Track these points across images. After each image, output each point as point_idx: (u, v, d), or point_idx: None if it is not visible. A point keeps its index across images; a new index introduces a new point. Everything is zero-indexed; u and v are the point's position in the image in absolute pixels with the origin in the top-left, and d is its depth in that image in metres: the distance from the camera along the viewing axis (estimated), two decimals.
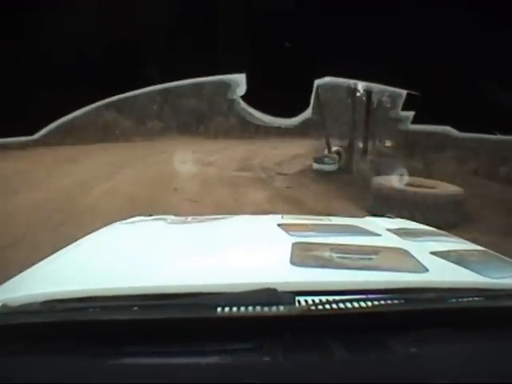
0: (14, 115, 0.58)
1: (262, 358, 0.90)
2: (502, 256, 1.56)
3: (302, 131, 23.04)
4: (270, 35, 0.54)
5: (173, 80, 0.58)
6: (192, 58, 0.57)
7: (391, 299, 1.05)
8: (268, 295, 0.99)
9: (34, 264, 1.44)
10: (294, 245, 1.42)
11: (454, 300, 1.09)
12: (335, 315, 0.98)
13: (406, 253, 1.42)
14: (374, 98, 17.15)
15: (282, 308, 0.97)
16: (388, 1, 0.53)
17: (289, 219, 2.08)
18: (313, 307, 0.99)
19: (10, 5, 0.50)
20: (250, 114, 0.57)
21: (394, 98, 0.59)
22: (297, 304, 1.01)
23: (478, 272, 1.29)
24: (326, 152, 15.68)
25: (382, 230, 1.81)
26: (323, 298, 1.02)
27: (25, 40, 0.53)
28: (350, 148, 14.80)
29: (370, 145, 17.29)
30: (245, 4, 0.53)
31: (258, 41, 0.55)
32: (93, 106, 0.59)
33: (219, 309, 0.97)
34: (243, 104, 0.57)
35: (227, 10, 0.53)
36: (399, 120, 0.60)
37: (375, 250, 1.43)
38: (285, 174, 14.00)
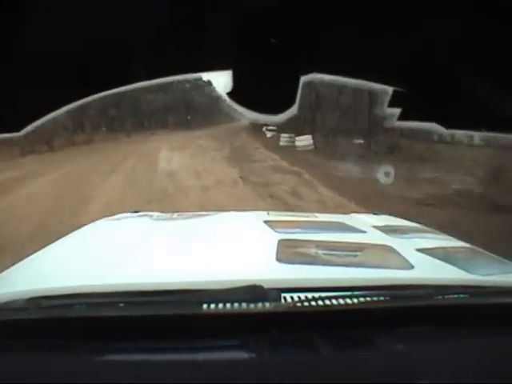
0: (0, 112, 0.57)
1: (248, 355, 0.90)
2: (488, 253, 1.57)
3: None
4: (256, 32, 0.54)
5: (159, 76, 0.58)
6: (179, 54, 0.57)
7: (377, 296, 1.05)
8: (254, 292, 0.98)
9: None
10: (280, 241, 1.42)
11: (439, 297, 1.09)
12: (321, 312, 0.98)
13: (391, 250, 1.43)
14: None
15: (268, 305, 0.97)
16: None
17: (275, 216, 2.08)
18: (299, 304, 0.99)
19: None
20: (236, 110, 0.57)
21: (379, 94, 0.59)
22: (283, 301, 1.01)
23: (464, 269, 1.30)
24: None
25: (368, 227, 1.81)
26: (309, 295, 1.02)
27: (11, 38, 0.53)
28: None
29: None
30: (232, 2, 0.53)
31: (244, 37, 0.55)
32: (79, 102, 0.58)
33: (205, 305, 0.97)
34: (229, 101, 0.57)
35: (214, 8, 0.53)
36: (385, 117, 0.61)
37: (361, 247, 1.43)
38: None
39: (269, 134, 21.10)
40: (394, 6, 0.52)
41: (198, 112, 37.40)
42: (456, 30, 0.54)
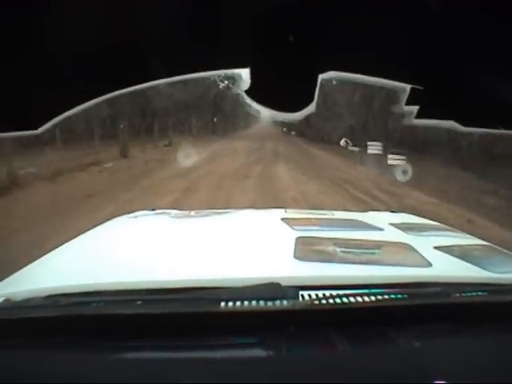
0: (17, 111, 0.58)
1: (265, 353, 0.90)
2: (505, 250, 1.56)
3: None
4: (275, 30, 0.54)
5: (178, 74, 0.59)
6: (197, 52, 0.57)
7: (395, 294, 1.05)
8: (272, 290, 0.99)
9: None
10: (298, 239, 1.42)
11: (457, 295, 1.09)
12: (339, 310, 0.98)
13: (409, 247, 1.42)
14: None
15: (285, 302, 0.97)
16: None
17: (292, 213, 2.08)
18: (316, 302, 0.99)
19: (12, 5, 0.51)
20: (254, 108, 0.57)
21: (397, 92, 0.59)
22: (300, 298, 1.01)
23: (481, 266, 1.29)
24: None
25: (385, 225, 1.80)
26: (327, 293, 1.02)
27: (28, 38, 0.53)
28: None
29: None
30: (249, 0, 0.53)
31: (262, 36, 0.55)
32: (94, 101, 0.59)
33: (223, 303, 0.97)
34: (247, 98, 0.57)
35: (232, 6, 0.53)
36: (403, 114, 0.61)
37: (378, 245, 1.43)
38: None
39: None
40: (411, 6, 0.52)
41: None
42: (474, 28, 0.54)
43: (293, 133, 29.01)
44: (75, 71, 0.57)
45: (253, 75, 0.55)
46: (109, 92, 0.58)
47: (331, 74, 0.56)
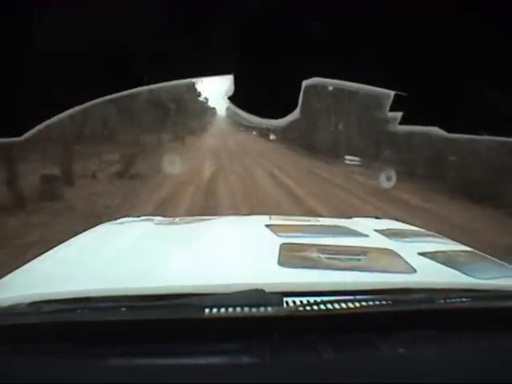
0: (1, 116, 0.58)
1: (249, 359, 0.90)
2: (489, 256, 1.57)
3: None
4: (258, 37, 0.54)
5: (163, 80, 0.58)
6: (182, 59, 0.57)
7: (379, 300, 1.05)
8: (256, 296, 0.98)
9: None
10: (282, 245, 1.42)
11: (441, 301, 1.09)
12: (323, 316, 0.98)
13: (393, 253, 1.43)
14: None
15: (269, 309, 0.97)
16: (377, 2, 0.54)
17: (277, 220, 2.08)
18: (301, 308, 0.99)
19: (3, 9, 0.50)
20: (238, 114, 0.57)
21: (381, 98, 0.59)
22: (285, 305, 1.01)
23: (465, 273, 1.30)
24: None
25: (370, 231, 1.81)
26: (311, 299, 1.02)
27: (13, 43, 0.53)
28: None
29: None
30: (234, 7, 0.53)
31: (246, 43, 0.55)
32: (81, 106, 0.59)
33: (207, 310, 0.97)
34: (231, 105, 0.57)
35: (216, 13, 0.53)
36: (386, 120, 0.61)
37: (363, 251, 1.43)
38: None
39: None
40: (396, 11, 0.52)
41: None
42: (460, 34, 0.54)
43: (272, 137, 28.61)
44: (60, 77, 0.56)
45: (236, 81, 0.55)
46: (94, 98, 0.58)
47: (315, 80, 0.56)
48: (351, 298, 1.04)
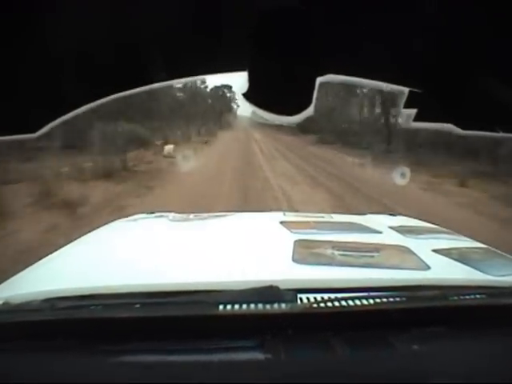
0: (15, 114, 0.58)
1: (263, 356, 0.90)
2: (503, 253, 1.56)
3: None
4: (272, 33, 0.54)
5: (177, 77, 0.59)
6: (196, 55, 0.57)
7: (393, 297, 1.05)
8: (270, 293, 0.99)
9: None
10: (296, 242, 1.42)
11: (455, 298, 1.09)
12: (337, 313, 0.98)
13: (407, 250, 1.42)
14: None
15: (284, 305, 0.97)
16: (391, 0, 0.53)
17: (291, 216, 2.08)
18: (315, 305, 0.99)
19: (14, 6, 0.51)
20: (253, 111, 0.57)
21: (395, 95, 0.59)
22: (299, 301, 1.01)
23: (479, 270, 1.29)
24: None
25: (384, 228, 1.81)
26: (325, 296, 1.02)
27: (27, 40, 0.53)
28: None
29: None
30: (249, 3, 0.53)
31: (260, 39, 0.55)
32: (93, 104, 0.59)
33: (221, 306, 0.97)
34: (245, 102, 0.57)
35: (231, 9, 0.53)
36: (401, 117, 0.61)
37: (377, 248, 1.43)
38: None
39: None
40: (410, 8, 0.52)
41: None
42: (473, 30, 0.54)
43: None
44: (74, 74, 0.57)
45: (250, 78, 0.55)
46: (108, 95, 0.58)
47: (330, 76, 0.56)
48: (365, 294, 1.03)
